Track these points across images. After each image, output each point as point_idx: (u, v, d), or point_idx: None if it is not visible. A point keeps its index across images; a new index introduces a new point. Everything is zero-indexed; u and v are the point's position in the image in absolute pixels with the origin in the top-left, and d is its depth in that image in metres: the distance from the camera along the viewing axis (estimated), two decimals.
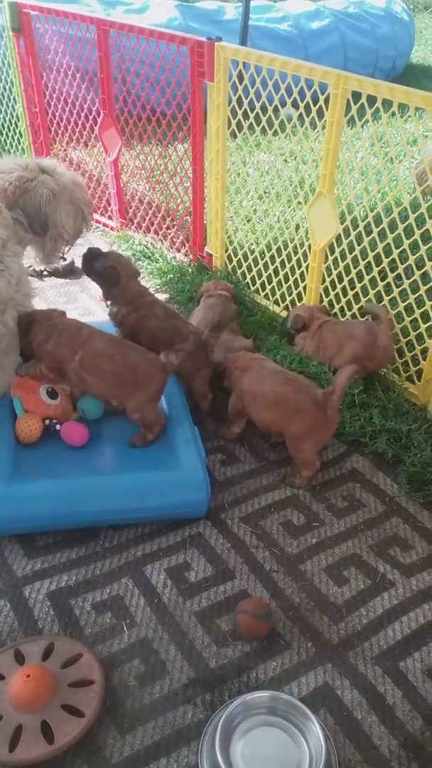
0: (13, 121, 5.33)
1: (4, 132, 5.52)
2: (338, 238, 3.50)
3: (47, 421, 2.84)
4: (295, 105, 3.39)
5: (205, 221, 4.32)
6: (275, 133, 3.71)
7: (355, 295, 3.54)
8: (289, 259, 3.83)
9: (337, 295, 3.64)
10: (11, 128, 5.40)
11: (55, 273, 4.54)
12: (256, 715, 2.00)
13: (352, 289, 3.52)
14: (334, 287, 3.63)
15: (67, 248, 3.27)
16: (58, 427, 2.84)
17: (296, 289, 3.83)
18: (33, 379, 2.87)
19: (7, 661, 2.11)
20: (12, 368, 2.88)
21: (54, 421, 2.84)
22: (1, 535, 2.57)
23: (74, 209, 3.09)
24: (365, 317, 3.49)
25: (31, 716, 1.96)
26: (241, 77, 3.64)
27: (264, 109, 3.63)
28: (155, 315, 3.14)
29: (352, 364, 2.94)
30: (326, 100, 3.21)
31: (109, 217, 5.03)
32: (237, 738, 1.95)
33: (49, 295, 4.31)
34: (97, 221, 5.09)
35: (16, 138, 5.41)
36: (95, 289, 4.34)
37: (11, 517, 2.54)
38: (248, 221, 4.44)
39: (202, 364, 3.16)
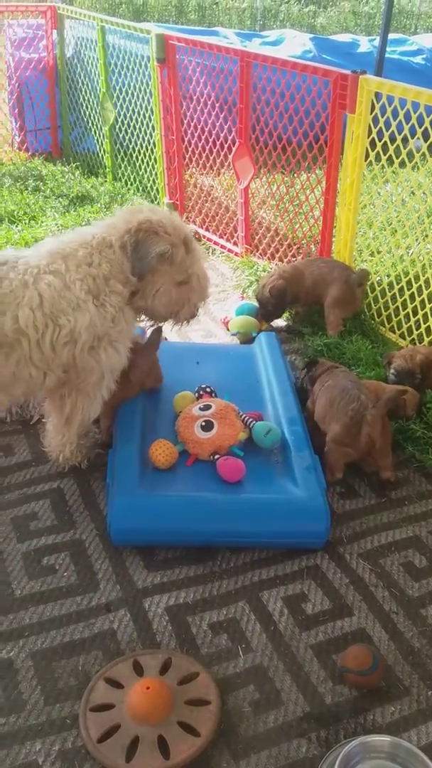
0: (149, 147, 5.55)
1: (140, 158, 5.75)
2: None
3: (211, 456, 2.87)
4: None
5: (332, 252, 4.32)
6: (414, 167, 3.67)
7: None
8: (419, 293, 3.76)
9: None
10: (147, 154, 5.62)
11: None
12: (375, 759, 1.93)
13: None
14: None
15: (150, 321, 3.06)
16: (216, 456, 2.87)
17: (425, 324, 3.75)
18: (190, 416, 2.97)
19: (126, 671, 2.15)
20: (100, 400, 2.86)
21: (216, 456, 2.86)
22: (123, 546, 2.63)
23: (179, 298, 2.92)
24: None
25: (149, 729, 1.98)
26: (382, 109, 3.65)
27: (405, 141, 3.61)
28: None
29: None
30: None
31: (235, 243, 5.11)
32: None
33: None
34: (222, 246, 5.19)
35: (151, 164, 5.63)
36: (218, 312, 4.43)
37: (134, 530, 2.61)
38: (377, 253, 4.40)
39: None
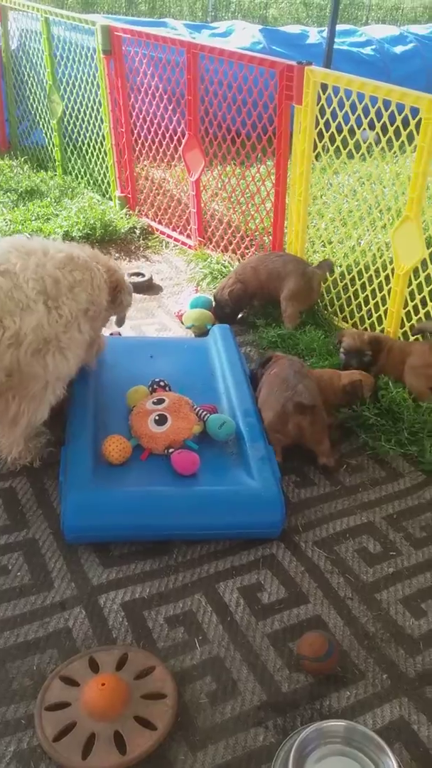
0: (99, 140, 5.48)
1: (90, 151, 5.68)
2: (423, 262, 3.45)
3: (166, 450, 2.86)
4: (379, 128, 3.39)
5: (284, 243, 4.34)
6: (362, 157, 3.70)
7: None
8: (370, 283, 3.81)
9: (420, 320, 3.58)
10: (97, 147, 5.55)
11: (134, 288, 4.61)
12: (331, 744, 1.96)
13: None
14: (417, 311, 3.58)
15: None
16: (171, 450, 2.86)
17: (376, 313, 3.79)
18: (144, 410, 2.97)
19: (81, 669, 2.13)
20: (47, 405, 2.80)
21: (170, 449, 2.85)
22: (78, 543, 2.61)
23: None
24: (417, 335, 3.51)
25: (105, 725, 1.97)
26: (328, 100, 3.66)
27: (351, 132, 3.64)
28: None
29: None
30: (417, 124, 3.20)
31: (188, 236, 5.10)
32: (310, 765, 1.91)
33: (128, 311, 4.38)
34: (176, 239, 5.17)
35: (101, 157, 5.56)
36: (172, 306, 4.41)
37: (88, 527, 2.58)
38: (329, 243, 4.43)
39: None
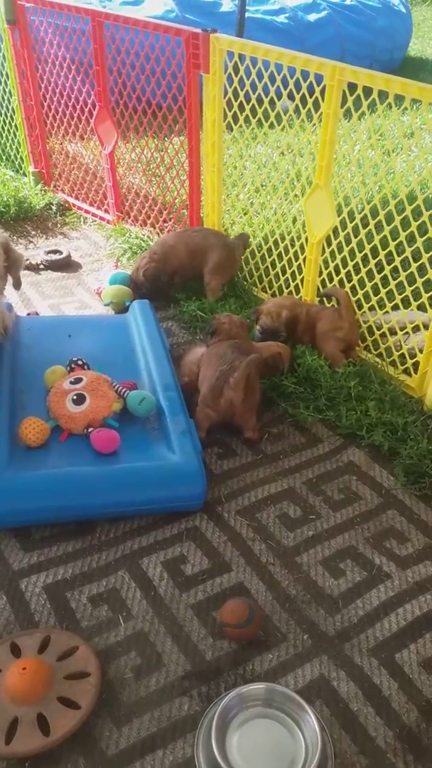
0: (8, 114, 5.30)
1: (0, 125, 5.49)
2: (335, 231, 3.49)
3: (85, 430, 2.82)
4: (290, 96, 3.38)
5: (201, 214, 4.31)
6: (271, 126, 3.69)
7: (352, 287, 3.53)
8: (286, 252, 3.83)
9: (334, 287, 3.62)
10: (7, 121, 5.37)
11: (52, 266, 4.53)
12: (252, 707, 2.00)
13: (349, 281, 3.51)
14: (331, 279, 3.62)
15: None
16: (90, 429, 2.83)
17: (293, 282, 3.82)
18: (61, 390, 2.92)
19: (2, 654, 2.11)
20: None
21: (90, 429, 2.82)
22: None
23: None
24: (330, 302, 3.57)
25: (28, 709, 1.96)
26: (236, 69, 3.63)
27: (260, 101, 3.62)
28: None
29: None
30: (322, 92, 3.20)
31: (106, 211, 5.01)
32: (233, 730, 1.96)
33: (45, 289, 4.30)
34: (94, 215, 5.08)
35: (12, 131, 5.39)
36: (92, 283, 4.34)
37: (6, 511, 2.54)
38: (245, 214, 4.43)
39: None
